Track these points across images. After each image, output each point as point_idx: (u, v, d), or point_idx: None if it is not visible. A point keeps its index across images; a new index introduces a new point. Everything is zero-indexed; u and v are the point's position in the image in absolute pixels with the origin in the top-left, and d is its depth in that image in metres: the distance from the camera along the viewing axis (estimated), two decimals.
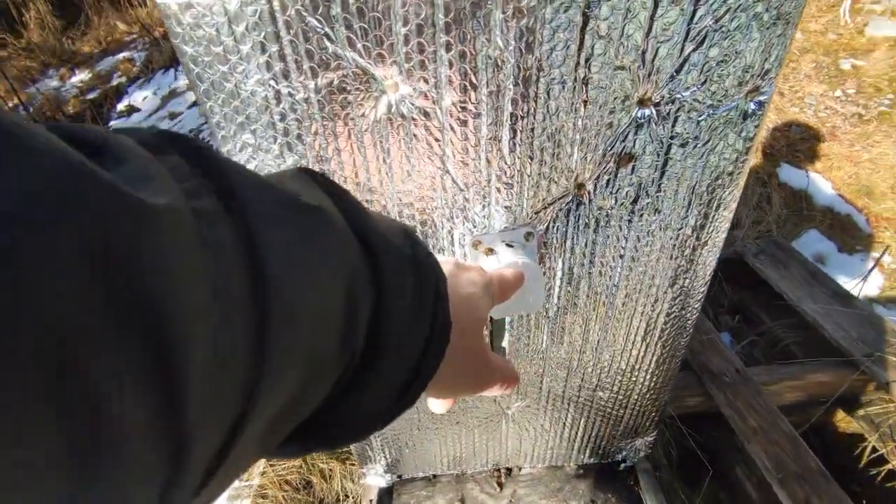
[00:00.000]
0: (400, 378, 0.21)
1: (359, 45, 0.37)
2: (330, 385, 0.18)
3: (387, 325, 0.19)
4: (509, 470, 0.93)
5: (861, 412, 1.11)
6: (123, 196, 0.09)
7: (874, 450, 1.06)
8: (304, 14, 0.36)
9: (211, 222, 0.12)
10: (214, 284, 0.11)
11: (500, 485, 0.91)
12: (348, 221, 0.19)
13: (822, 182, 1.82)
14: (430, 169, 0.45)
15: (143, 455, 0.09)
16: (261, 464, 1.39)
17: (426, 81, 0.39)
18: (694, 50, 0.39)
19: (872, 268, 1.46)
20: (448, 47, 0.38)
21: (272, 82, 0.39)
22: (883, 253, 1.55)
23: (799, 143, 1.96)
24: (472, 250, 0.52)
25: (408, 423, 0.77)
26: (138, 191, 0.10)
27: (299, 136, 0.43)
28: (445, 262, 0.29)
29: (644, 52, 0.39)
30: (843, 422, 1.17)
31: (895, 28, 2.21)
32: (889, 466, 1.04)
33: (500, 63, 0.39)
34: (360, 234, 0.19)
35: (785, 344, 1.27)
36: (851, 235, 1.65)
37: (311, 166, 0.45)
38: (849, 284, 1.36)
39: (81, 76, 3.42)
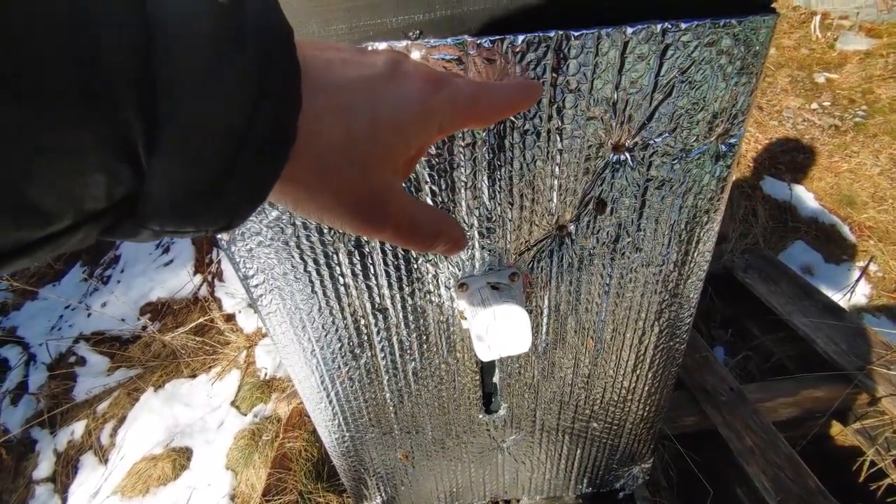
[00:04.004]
0: (205, 156, 0.15)
1: None
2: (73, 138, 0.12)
3: (166, 77, 0.14)
4: (507, 502, 0.91)
5: (857, 425, 1.11)
6: None
7: (873, 463, 1.06)
8: None
9: None
10: None
11: None
12: None
13: (804, 193, 1.86)
14: None
15: None
16: (256, 500, 1.36)
17: None
18: (663, 100, 0.40)
19: (859, 277, 1.48)
20: None
21: None
22: (868, 262, 1.58)
23: (780, 155, 2.01)
24: (459, 293, 0.52)
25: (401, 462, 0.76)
26: None
27: None
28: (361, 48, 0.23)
29: (615, 104, 0.40)
30: (840, 435, 1.17)
31: (864, 42, 2.29)
32: (889, 480, 1.03)
33: None
34: None
35: (778, 358, 1.28)
36: (837, 245, 1.68)
37: None
38: (837, 294, 1.38)
39: None
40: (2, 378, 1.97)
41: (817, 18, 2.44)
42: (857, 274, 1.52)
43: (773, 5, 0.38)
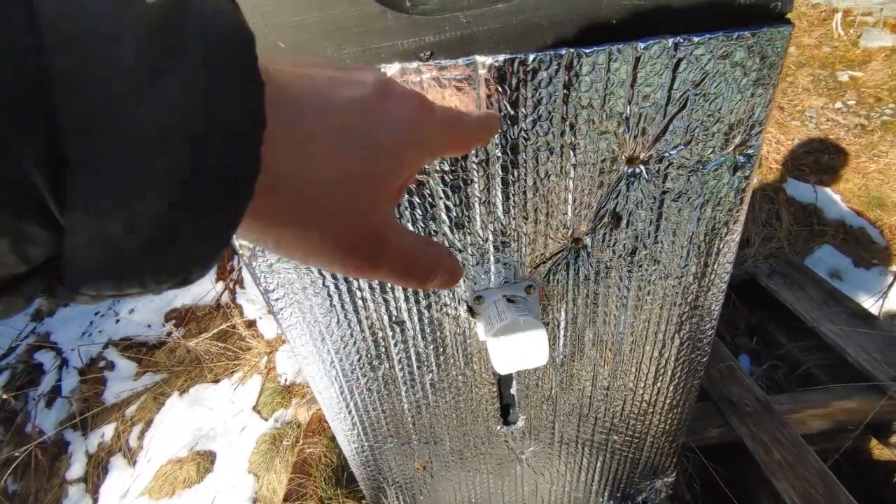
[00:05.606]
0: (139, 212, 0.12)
1: None
2: None
3: (73, 109, 0.10)
4: None
5: (894, 439, 1.06)
6: None
7: None
8: None
9: None
10: None
11: None
12: None
13: (831, 195, 1.79)
14: (427, 231, 0.47)
15: None
16: None
17: None
18: (677, 113, 0.40)
19: (892, 282, 1.42)
20: None
21: None
22: None
23: (803, 156, 1.95)
24: (476, 306, 0.52)
25: (420, 472, 0.76)
26: None
27: None
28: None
29: (628, 118, 0.40)
30: (877, 448, 1.12)
31: (889, 38, 2.21)
32: None
33: None
34: None
35: (806, 368, 1.23)
36: (867, 249, 1.62)
37: None
38: (868, 300, 1.33)
39: None
40: (37, 382, 2.05)
41: (839, 16, 2.37)
42: (889, 279, 1.46)
43: (787, 16, 0.37)
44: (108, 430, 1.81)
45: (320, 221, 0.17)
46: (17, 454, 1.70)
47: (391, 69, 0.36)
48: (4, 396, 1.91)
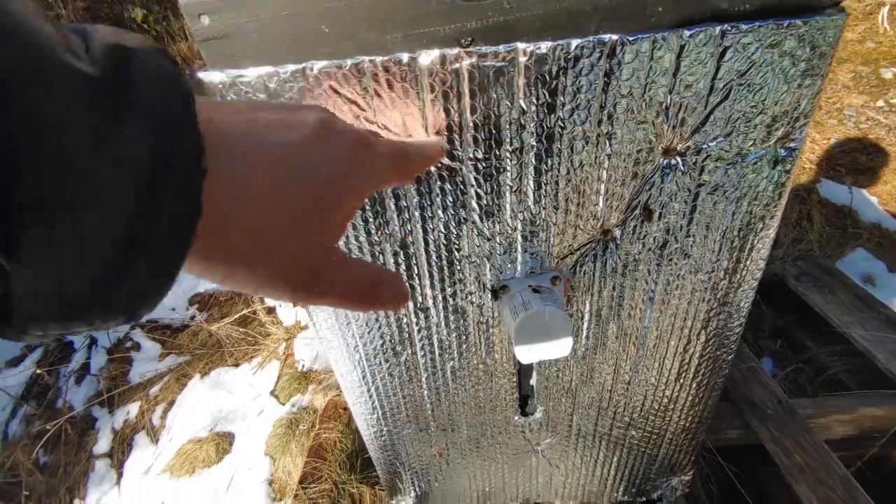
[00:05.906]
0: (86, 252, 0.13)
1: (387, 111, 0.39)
2: None
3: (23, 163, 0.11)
4: None
5: None
6: None
7: None
8: (337, 87, 0.38)
9: None
10: None
11: None
12: None
13: (867, 197, 1.73)
14: (457, 219, 0.47)
15: None
16: (292, 486, 1.42)
17: (451, 142, 0.41)
18: (719, 104, 0.39)
19: None
20: (473, 110, 0.39)
21: None
22: None
23: (839, 156, 1.88)
24: (501, 295, 0.52)
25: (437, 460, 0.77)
26: None
27: None
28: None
29: (667, 108, 0.39)
30: None
31: None
32: None
33: (523, 123, 0.40)
34: None
35: (833, 373, 1.20)
36: None
37: None
38: None
39: None
40: (68, 359, 2.14)
41: (885, 9, 2.26)
42: None
43: (842, 3, 0.36)
44: (133, 409, 1.87)
45: (265, 259, 0.18)
46: (48, 427, 1.78)
47: (431, 55, 0.37)
48: (38, 372, 1.99)
